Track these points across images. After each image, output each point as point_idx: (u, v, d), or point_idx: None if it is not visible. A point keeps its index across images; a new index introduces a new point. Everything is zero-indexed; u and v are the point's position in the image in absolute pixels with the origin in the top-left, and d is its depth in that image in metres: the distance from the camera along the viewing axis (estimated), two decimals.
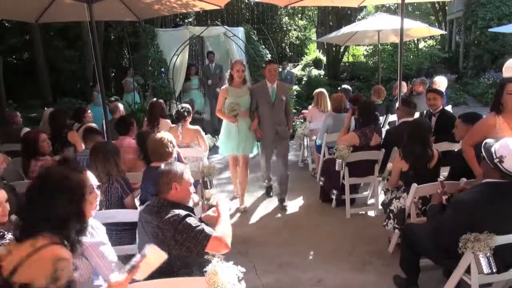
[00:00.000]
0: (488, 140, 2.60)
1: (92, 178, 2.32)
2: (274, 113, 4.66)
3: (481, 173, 2.89)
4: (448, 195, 2.94)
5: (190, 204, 2.45)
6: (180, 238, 2.13)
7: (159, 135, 3.33)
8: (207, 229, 2.18)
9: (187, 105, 4.98)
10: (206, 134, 5.25)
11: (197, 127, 4.92)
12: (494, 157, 2.42)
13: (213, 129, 8.87)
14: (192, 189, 2.40)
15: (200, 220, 2.52)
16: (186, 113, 4.82)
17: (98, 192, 2.32)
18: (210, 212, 2.64)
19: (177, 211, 2.20)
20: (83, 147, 4.30)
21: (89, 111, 5.67)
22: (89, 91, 10.52)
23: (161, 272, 2.17)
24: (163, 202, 2.27)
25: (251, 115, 4.74)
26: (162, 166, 2.40)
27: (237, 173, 5.15)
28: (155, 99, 5.64)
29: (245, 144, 4.81)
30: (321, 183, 5.01)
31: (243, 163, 4.96)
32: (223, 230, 2.22)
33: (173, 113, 8.52)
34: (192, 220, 2.19)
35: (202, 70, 9.54)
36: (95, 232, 2.19)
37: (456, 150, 4.00)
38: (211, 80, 9.03)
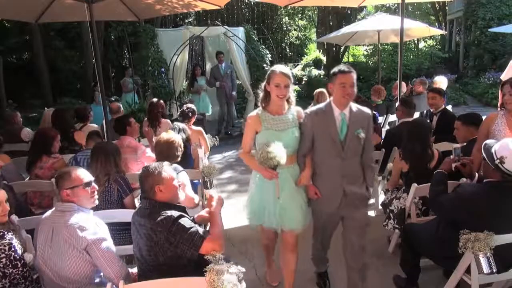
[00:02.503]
0: (488, 141, 2.60)
1: (87, 173, 2.35)
2: (344, 161, 2.72)
3: (470, 173, 2.93)
4: (459, 162, 2.92)
5: (182, 197, 2.42)
6: (174, 240, 2.12)
7: (168, 136, 3.30)
8: (201, 231, 2.17)
9: (192, 105, 4.98)
10: (206, 134, 5.25)
11: (200, 128, 4.93)
12: (495, 158, 2.42)
13: (217, 130, 8.87)
14: (176, 183, 2.35)
15: (193, 220, 2.52)
16: (190, 114, 4.82)
17: (95, 185, 2.36)
18: (203, 212, 2.63)
19: (169, 212, 2.18)
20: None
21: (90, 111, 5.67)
22: (91, 90, 10.51)
23: (159, 273, 2.17)
24: (154, 203, 2.24)
25: (300, 161, 2.84)
26: (141, 171, 2.36)
27: (272, 251, 3.28)
28: (155, 99, 5.63)
29: (291, 211, 2.78)
30: None
31: (290, 243, 2.89)
32: (217, 232, 2.23)
33: (173, 113, 8.60)
34: (185, 221, 2.18)
35: (211, 71, 9.02)
36: (98, 228, 2.20)
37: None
38: (219, 82, 8.60)
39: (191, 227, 2.15)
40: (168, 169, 2.34)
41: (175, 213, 2.19)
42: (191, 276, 2.20)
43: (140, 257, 2.27)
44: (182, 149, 3.33)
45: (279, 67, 2.78)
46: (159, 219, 2.15)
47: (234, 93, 8.86)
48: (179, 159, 3.28)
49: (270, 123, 2.76)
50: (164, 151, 3.23)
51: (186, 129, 4.02)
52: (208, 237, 2.15)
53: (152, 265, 2.20)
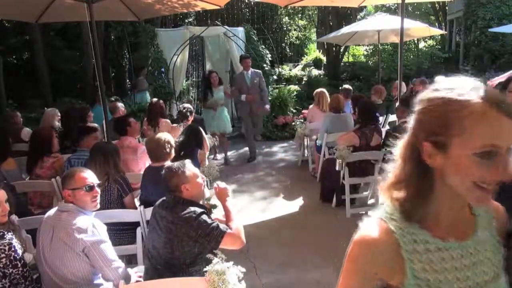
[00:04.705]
0: None
1: (92, 176, 2.37)
2: None
3: None
4: None
5: (207, 194, 2.55)
6: (195, 235, 2.17)
7: (156, 136, 3.32)
8: (222, 226, 2.24)
9: (189, 105, 5.02)
10: (206, 134, 5.25)
11: (199, 128, 4.94)
12: None
13: (251, 157, 7.12)
14: (200, 179, 2.43)
15: None
16: (188, 113, 4.84)
17: (98, 189, 2.36)
18: (220, 217, 2.66)
19: (192, 208, 2.25)
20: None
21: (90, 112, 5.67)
22: (95, 91, 10.47)
23: (170, 268, 2.21)
24: (178, 199, 2.30)
25: None
26: (164, 171, 2.41)
27: None
28: (155, 99, 5.64)
29: None
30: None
31: None
32: (237, 226, 2.31)
33: (173, 113, 8.58)
34: (207, 217, 2.25)
35: (234, 80, 7.17)
36: (96, 230, 2.20)
37: None
38: (245, 95, 6.57)
39: (212, 223, 2.22)
40: (190, 167, 2.40)
41: (198, 210, 2.25)
42: (203, 272, 2.21)
43: (153, 250, 2.30)
44: (173, 145, 3.33)
45: (476, 89, 0.87)
46: (182, 213, 2.21)
47: (267, 106, 6.89)
48: (171, 156, 3.30)
49: (435, 265, 0.91)
50: (155, 151, 3.25)
51: (201, 129, 4.06)
52: (228, 232, 2.22)
53: (164, 258, 2.24)
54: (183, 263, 2.22)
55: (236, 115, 8.79)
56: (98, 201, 2.39)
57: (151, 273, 2.28)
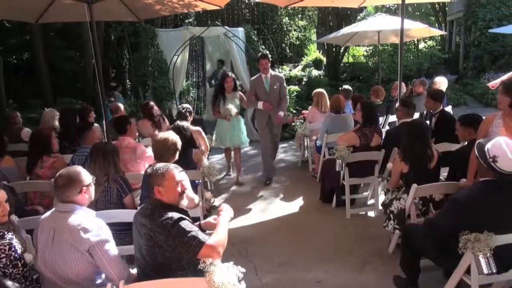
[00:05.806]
0: (481, 140, 2.62)
1: (87, 174, 2.37)
2: None
3: (470, 180, 2.90)
4: None
5: (185, 203, 2.38)
6: (173, 243, 2.10)
7: (164, 135, 3.30)
8: (201, 236, 2.14)
9: (188, 105, 5.02)
10: (206, 134, 5.25)
11: (198, 128, 4.93)
12: (488, 156, 2.44)
13: (265, 177, 6.02)
14: (180, 188, 2.31)
15: (199, 226, 2.51)
16: (187, 113, 4.84)
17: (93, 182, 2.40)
18: (211, 219, 2.62)
19: (170, 214, 2.16)
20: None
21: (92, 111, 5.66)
22: (110, 90, 10.41)
23: (157, 272, 2.18)
24: (156, 204, 2.24)
25: None
26: (148, 169, 2.39)
27: None
28: (151, 103, 5.59)
29: None
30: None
31: None
32: (218, 239, 2.17)
33: (173, 113, 8.58)
34: (186, 224, 2.15)
35: (251, 85, 5.88)
36: (101, 230, 2.21)
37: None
38: (262, 103, 5.50)
39: (191, 231, 2.12)
40: (173, 173, 2.30)
41: (175, 215, 2.17)
42: (189, 276, 2.20)
43: (140, 256, 2.27)
44: (179, 148, 3.31)
45: None
46: (159, 220, 2.14)
47: (281, 113, 5.63)
48: (176, 158, 3.27)
49: None
50: (159, 151, 3.23)
51: (188, 127, 3.98)
52: (207, 244, 2.10)
53: (151, 265, 2.20)
54: (168, 269, 2.16)
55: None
56: (93, 193, 2.41)
57: (143, 279, 2.24)
